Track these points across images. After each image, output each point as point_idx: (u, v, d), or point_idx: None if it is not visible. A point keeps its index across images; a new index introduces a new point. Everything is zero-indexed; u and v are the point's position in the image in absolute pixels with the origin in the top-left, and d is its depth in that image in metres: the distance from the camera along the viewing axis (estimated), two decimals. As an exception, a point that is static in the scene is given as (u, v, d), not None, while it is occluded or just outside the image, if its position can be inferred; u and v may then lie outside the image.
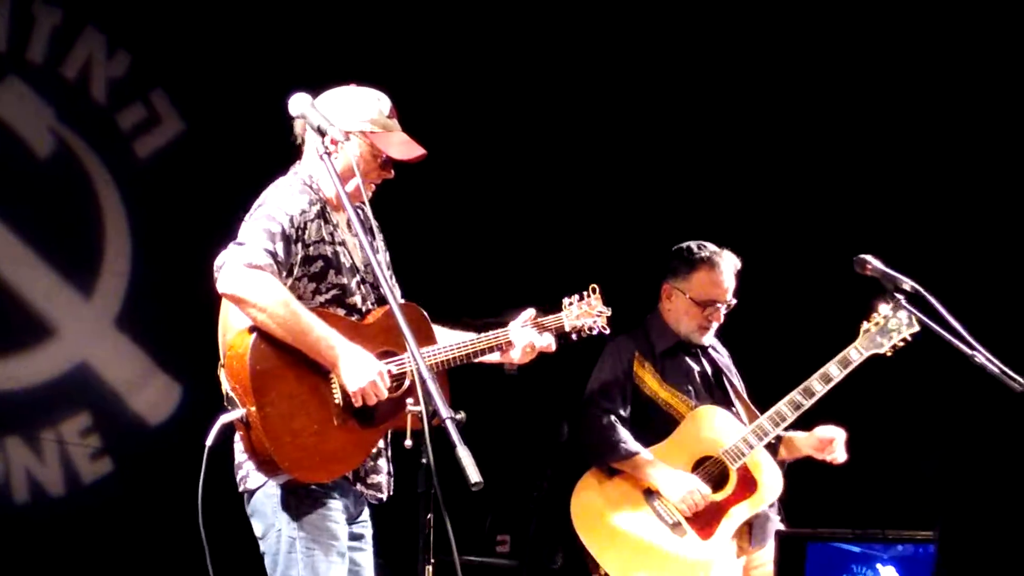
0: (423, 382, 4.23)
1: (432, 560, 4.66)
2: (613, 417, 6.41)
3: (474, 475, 4.08)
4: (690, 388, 6.45)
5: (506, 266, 8.62)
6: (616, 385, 6.49)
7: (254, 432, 4.74)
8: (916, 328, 6.08)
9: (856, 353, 6.18)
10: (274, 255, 4.76)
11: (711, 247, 6.51)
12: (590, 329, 5.46)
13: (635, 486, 6.33)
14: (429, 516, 4.60)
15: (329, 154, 4.65)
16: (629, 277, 7.13)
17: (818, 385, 6.19)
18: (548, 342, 5.31)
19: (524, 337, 5.24)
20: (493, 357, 5.26)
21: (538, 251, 8.68)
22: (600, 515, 6.37)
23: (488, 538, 8.11)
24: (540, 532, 8.06)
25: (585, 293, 5.48)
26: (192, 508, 7.55)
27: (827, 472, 6.65)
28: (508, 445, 8.05)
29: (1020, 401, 5.26)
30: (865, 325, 6.19)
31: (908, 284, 5.92)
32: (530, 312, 5.34)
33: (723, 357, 6.62)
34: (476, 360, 5.19)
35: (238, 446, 4.92)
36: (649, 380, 6.45)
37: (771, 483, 6.27)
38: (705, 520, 6.25)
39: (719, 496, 6.26)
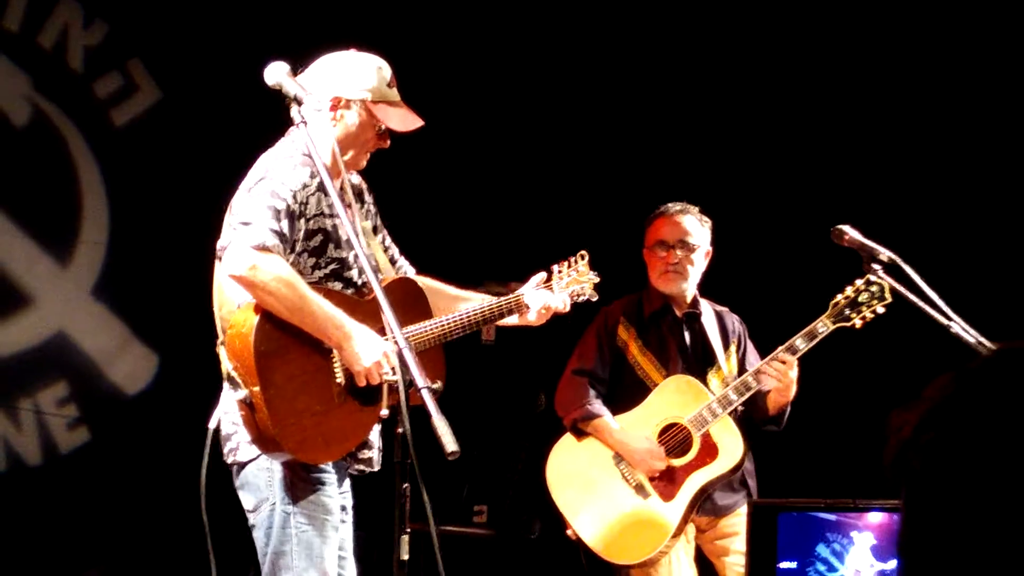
0: (399, 352, 4.25)
1: (408, 530, 4.67)
2: (585, 379, 6.51)
3: (451, 444, 4.09)
4: (667, 357, 6.51)
5: (499, 233, 8.62)
6: (595, 347, 6.56)
7: (258, 413, 4.68)
8: (888, 300, 6.10)
9: (823, 326, 6.22)
10: (280, 234, 4.70)
11: (676, 203, 6.62)
12: (579, 296, 5.46)
13: (604, 448, 6.42)
14: (406, 486, 4.61)
15: (305, 123, 4.62)
16: (621, 246, 7.14)
17: (785, 356, 6.25)
18: (563, 302, 5.36)
19: (539, 299, 5.28)
20: (510, 320, 5.30)
21: (532, 219, 8.68)
22: (570, 475, 6.47)
23: (465, 508, 8.13)
24: (517, 502, 8.08)
25: (573, 259, 5.48)
26: (169, 478, 7.58)
27: (800, 443, 6.68)
28: (485, 415, 8.06)
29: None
30: (837, 298, 6.22)
31: (885, 254, 5.92)
32: (541, 276, 5.36)
33: (717, 327, 6.61)
34: (495, 323, 5.26)
35: (227, 418, 4.87)
36: (632, 345, 6.52)
37: (730, 451, 6.34)
38: (667, 483, 6.35)
39: (680, 462, 6.34)
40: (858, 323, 6.20)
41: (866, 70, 8.36)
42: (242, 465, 4.89)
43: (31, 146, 7.88)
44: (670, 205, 6.58)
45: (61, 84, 8.01)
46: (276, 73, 4.69)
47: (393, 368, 4.52)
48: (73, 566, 7.87)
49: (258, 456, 4.84)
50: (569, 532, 6.44)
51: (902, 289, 5.85)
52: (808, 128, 8.43)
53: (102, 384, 8.04)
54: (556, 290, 5.39)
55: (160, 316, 8.03)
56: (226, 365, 4.78)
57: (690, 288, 6.57)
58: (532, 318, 5.30)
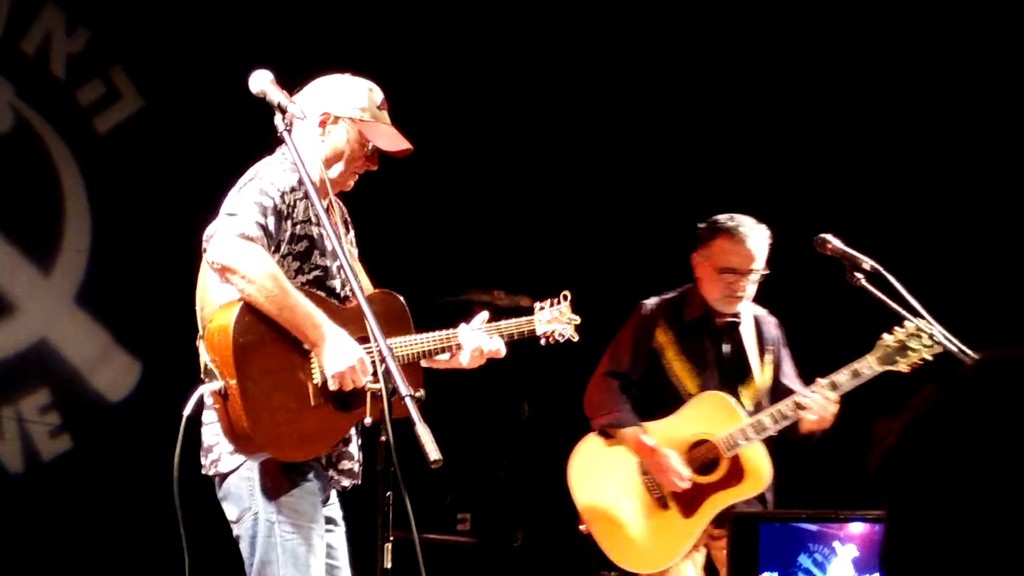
0: (383, 360, 4.26)
1: (391, 538, 4.67)
2: (617, 381, 6.43)
3: (434, 453, 4.09)
4: (703, 366, 6.43)
5: (483, 241, 8.61)
6: (631, 348, 6.47)
7: (231, 405, 4.68)
8: (938, 350, 6.01)
9: (868, 369, 6.10)
10: (265, 228, 4.72)
11: (738, 217, 6.45)
12: (560, 336, 5.40)
13: (630, 456, 6.36)
14: (388, 494, 4.61)
15: (289, 132, 4.64)
16: (611, 250, 7.13)
17: (827, 393, 6.16)
18: (497, 347, 5.21)
19: (473, 340, 5.15)
20: (443, 359, 5.19)
21: (513, 227, 8.67)
22: (592, 475, 6.42)
23: (448, 516, 8.13)
24: (500, 510, 8.08)
25: (556, 300, 5.42)
26: (151, 486, 7.56)
27: (783, 453, 6.70)
28: (468, 423, 8.05)
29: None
30: (885, 339, 6.07)
31: (868, 263, 5.94)
32: (484, 315, 5.26)
33: (755, 334, 6.54)
34: (426, 362, 5.13)
35: (209, 429, 4.88)
36: (668, 349, 6.45)
37: (757, 476, 6.27)
38: (690, 500, 6.29)
39: (705, 480, 6.28)
40: (905, 368, 6.05)
41: (853, 81, 8.38)
42: (224, 476, 4.88)
43: (13, 153, 7.87)
44: (740, 224, 6.41)
45: (44, 91, 8.00)
46: (260, 81, 4.70)
47: (375, 375, 4.52)
48: (55, 574, 7.85)
49: (239, 466, 4.83)
50: (582, 528, 6.41)
51: (885, 298, 5.87)
52: (792, 136, 8.44)
53: (85, 392, 8.04)
54: (539, 327, 5.34)
55: (143, 324, 8.02)
56: (204, 358, 4.77)
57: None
58: (464, 360, 5.19)
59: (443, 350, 5.13)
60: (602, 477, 6.43)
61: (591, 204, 8.71)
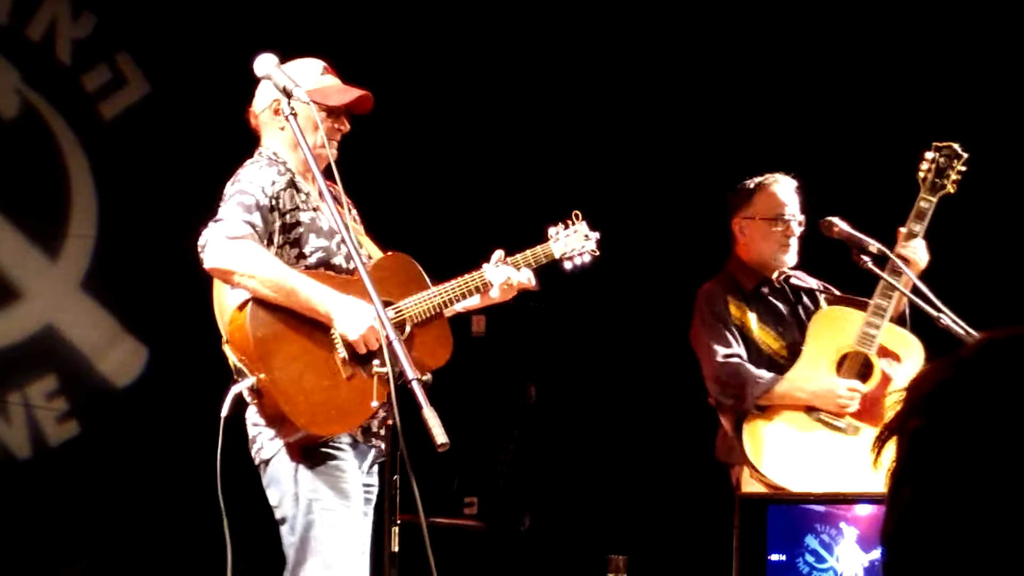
0: (389, 344, 4.29)
1: (398, 521, 4.68)
2: (735, 359, 6.35)
3: (440, 436, 4.11)
4: (782, 325, 6.41)
5: (483, 216, 8.59)
6: (722, 328, 6.41)
7: (267, 398, 4.84)
8: (965, 156, 6.07)
9: (926, 202, 6.12)
10: (252, 225, 4.83)
11: (763, 175, 6.51)
12: (581, 254, 5.47)
13: (795, 408, 6.26)
14: (396, 477, 4.62)
15: (296, 115, 4.68)
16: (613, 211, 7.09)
17: (913, 242, 6.14)
18: (527, 277, 5.32)
19: (500, 275, 5.25)
20: (473, 301, 5.28)
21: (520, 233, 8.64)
22: (778, 452, 6.26)
23: (455, 500, 8.14)
24: (507, 494, 8.09)
25: (569, 220, 5.49)
26: (159, 471, 7.58)
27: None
28: (475, 407, 8.06)
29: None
30: (921, 173, 6.12)
31: (875, 246, 5.94)
32: (499, 253, 5.33)
33: (806, 284, 6.55)
34: (458, 307, 5.24)
35: (250, 420, 5.01)
36: (748, 322, 6.40)
37: (909, 350, 6.21)
38: (871, 410, 6.20)
39: (872, 384, 6.20)
40: (951, 188, 6.12)
41: (853, 68, 8.38)
42: (266, 462, 5.01)
43: (20, 139, 7.88)
44: (772, 176, 6.48)
45: (50, 77, 8.00)
46: (266, 65, 4.75)
47: (381, 359, 4.54)
48: (62, 559, 7.86)
49: (279, 451, 4.96)
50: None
51: (892, 281, 5.88)
52: (791, 123, 8.43)
53: (92, 377, 8.04)
54: (555, 250, 5.42)
55: (150, 309, 8.03)
56: (232, 359, 4.91)
57: None
58: (496, 295, 5.28)
59: (470, 293, 5.20)
60: (789, 447, 6.26)
61: (593, 200, 8.68)
